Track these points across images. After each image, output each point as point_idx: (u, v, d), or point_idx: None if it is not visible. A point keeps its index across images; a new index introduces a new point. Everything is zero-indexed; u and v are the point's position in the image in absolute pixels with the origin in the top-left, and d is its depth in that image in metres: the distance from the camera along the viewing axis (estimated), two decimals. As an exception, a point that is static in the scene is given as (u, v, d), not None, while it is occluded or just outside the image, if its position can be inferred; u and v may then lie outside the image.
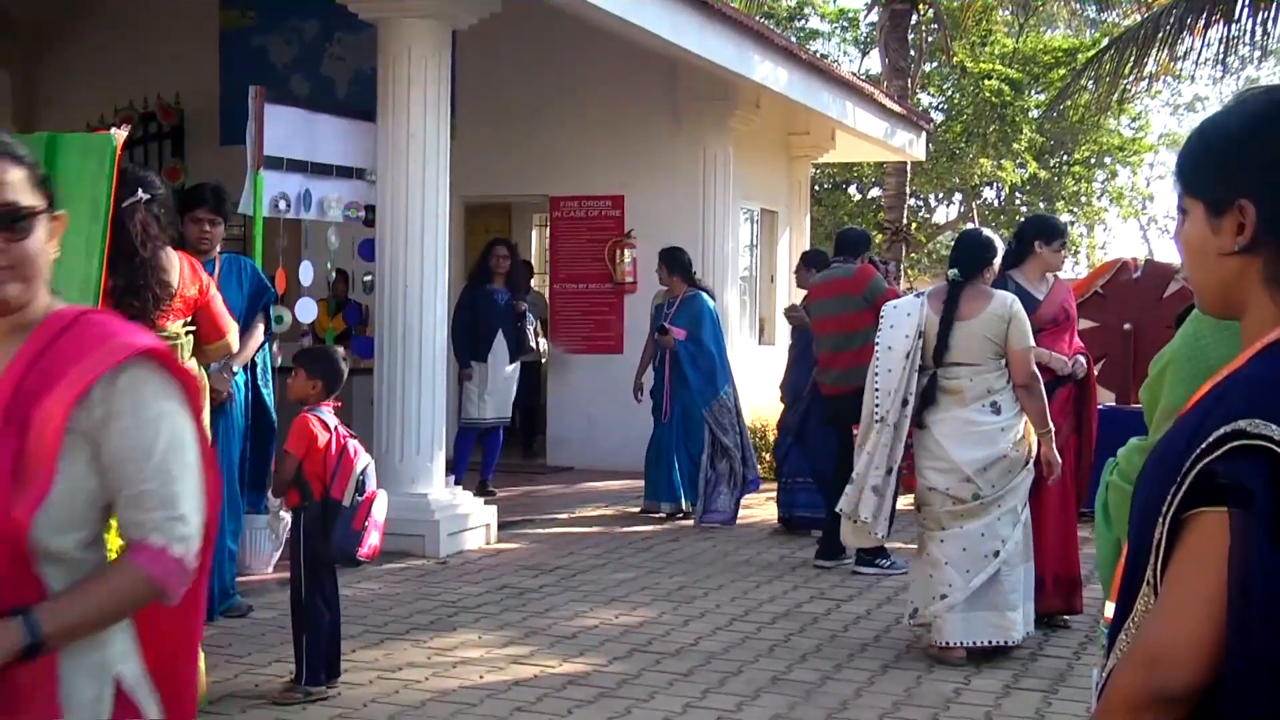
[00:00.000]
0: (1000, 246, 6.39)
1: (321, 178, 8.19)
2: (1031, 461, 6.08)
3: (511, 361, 10.58)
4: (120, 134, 3.85)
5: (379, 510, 5.13)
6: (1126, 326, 9.85)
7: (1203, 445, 1.58)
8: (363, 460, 5.18)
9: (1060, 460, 6.15)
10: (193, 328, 5.64)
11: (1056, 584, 6.64)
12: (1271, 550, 1.52)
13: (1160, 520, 1.64)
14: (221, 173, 8.18)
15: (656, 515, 9.96)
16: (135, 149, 11.78)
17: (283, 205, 7.80)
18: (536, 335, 11.35)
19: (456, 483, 10.09)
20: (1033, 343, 6.08)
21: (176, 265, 5.22)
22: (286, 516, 5.38)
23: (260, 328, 6.56)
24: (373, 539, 5.10)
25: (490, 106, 12.41)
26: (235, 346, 5.23)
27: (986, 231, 6.60)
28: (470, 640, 6.25)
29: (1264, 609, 1.53)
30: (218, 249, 6.38)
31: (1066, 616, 6.69)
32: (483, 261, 10.72)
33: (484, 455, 10.69)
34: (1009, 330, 5.99)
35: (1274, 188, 1.67)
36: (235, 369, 6.28)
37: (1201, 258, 1.76)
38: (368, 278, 8.91)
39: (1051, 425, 6.07)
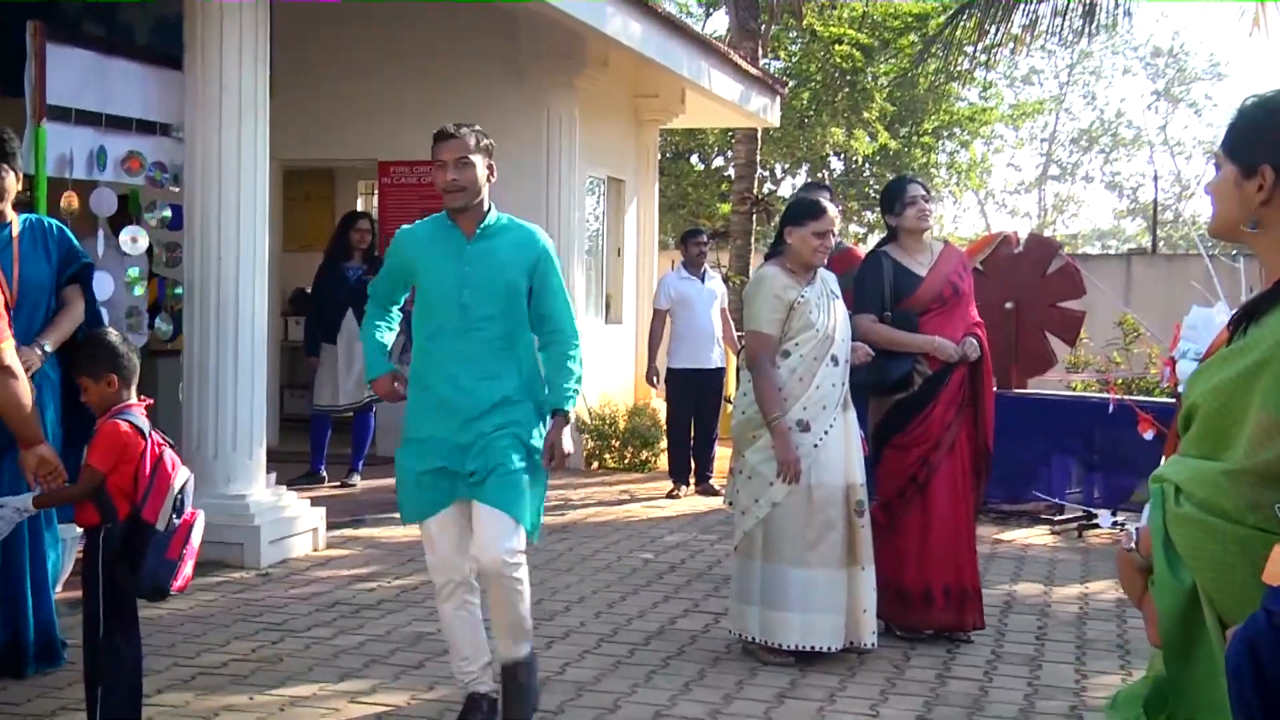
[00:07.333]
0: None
1: (118, 133, 7.31)
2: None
3: None
4: None
5: (197, 535, 4.38)
6: (1008, 305, 9.53)
7: None
8: (181, 475, 4.41)
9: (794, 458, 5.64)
10: None
11: (947, 596, 6.18)
12: None
13: None
14: (-1, 128, 7.25)
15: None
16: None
17: (78, 165, 6.92)
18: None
19: (313, 472, 9.74)
20: (754, 326, 5.80)
21: None
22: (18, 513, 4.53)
23: (79, 304, 5.43)
24: (187, 569, 4.35)
25: (311, 61, 11.57)
26: (9, 359, 4.25)
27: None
28: (299, 673, 5.52)
29: None
30: (8, 207, 5.32)
31: (971, 633, 6.22)
32: (340, 236, 10.23)
33: (353, 443, 10.38)
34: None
35: None
36: (47, 347, 5.22)
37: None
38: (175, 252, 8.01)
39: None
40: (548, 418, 4.74)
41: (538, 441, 4.69)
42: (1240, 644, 1.97)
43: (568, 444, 4.72)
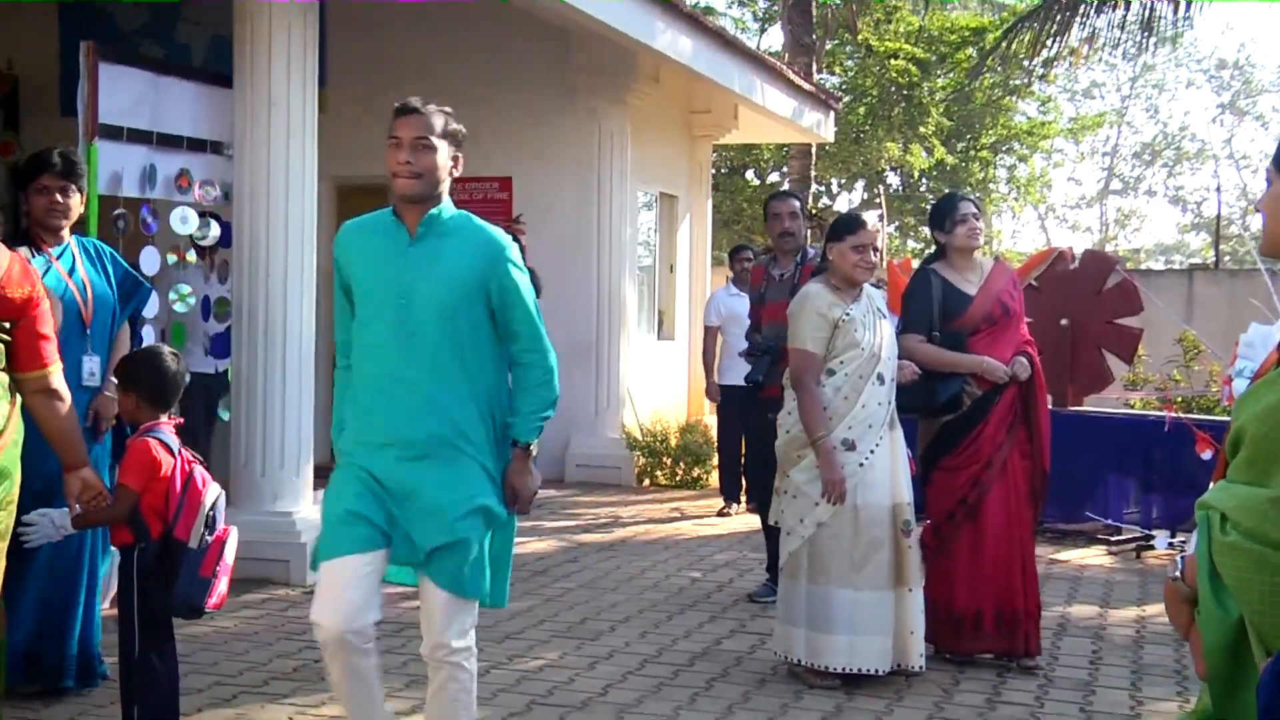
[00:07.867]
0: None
1: (169, 150, 7.35)
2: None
3: None
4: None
5: (230, 552, 4.36)
6: (1064, 322, 9.38)
7: None
8: (212, 492, 4.40)
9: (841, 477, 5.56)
10: (6, 337, 4.57)
11: (999, 621, 6.02)
12: None
13: None
14: (63, 147, 7.30)
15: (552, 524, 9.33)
16: (-39, 119, 10.77)
17: (129, 183, 6.97)
18: None
19: None
20: (798, 344, 5.72)
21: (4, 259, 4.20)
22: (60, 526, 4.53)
23: (127, 332, 5.48)
24: (222, 586, 4.34)
25: (365, 80, 11.61)
26: (57, 383, 4.18)
27: None
28: (341, 692, 5.50)
29: None
30: (68, 228, 5.29)
31: (1028, 660, 6.06)
32: None
33: None
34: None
35: None
36: (108, 393, 5.20)
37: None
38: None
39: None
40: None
41: (498, 486, 3.96)
42: (1271, 679, 1.88)
43: (532, 482, 4.01)
